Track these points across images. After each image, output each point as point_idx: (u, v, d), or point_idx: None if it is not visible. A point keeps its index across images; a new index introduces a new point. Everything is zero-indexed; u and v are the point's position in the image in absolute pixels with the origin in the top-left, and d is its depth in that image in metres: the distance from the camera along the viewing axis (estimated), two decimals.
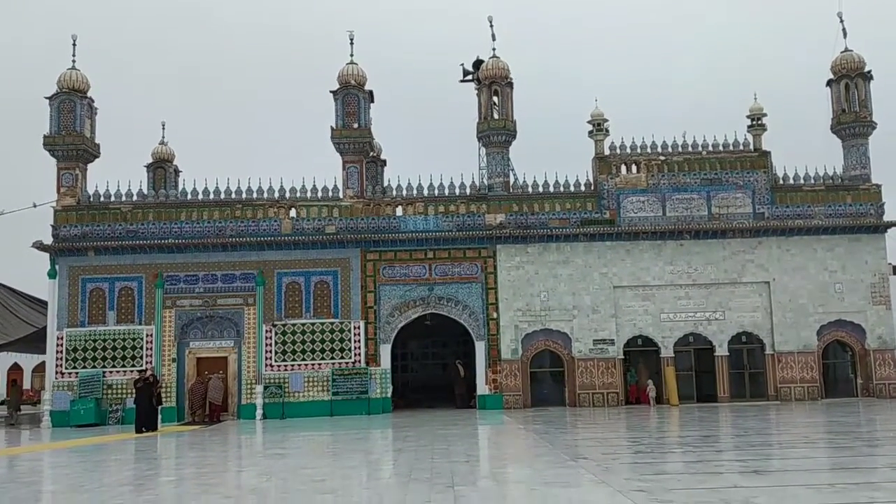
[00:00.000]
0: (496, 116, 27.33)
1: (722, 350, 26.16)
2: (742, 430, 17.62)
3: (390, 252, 26.33)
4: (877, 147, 27.31)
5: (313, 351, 25.65)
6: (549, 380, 26.82)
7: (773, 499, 8.90)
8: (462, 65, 35.50)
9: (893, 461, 12.60)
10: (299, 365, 25.56)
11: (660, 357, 26.19)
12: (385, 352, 25.95)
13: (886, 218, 26.45)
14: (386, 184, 28.33)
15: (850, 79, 27.34)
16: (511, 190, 26.99)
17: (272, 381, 25.40)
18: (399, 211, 26.80)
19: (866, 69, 27.43)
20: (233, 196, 26.64)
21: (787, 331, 26.08)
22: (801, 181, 26.91)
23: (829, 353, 26.81)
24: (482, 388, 25.97)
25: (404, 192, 26.91)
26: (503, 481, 11.48)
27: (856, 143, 27.04)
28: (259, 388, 25.10)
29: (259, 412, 24.68)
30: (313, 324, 25.80)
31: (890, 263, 26.96)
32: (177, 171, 31.14)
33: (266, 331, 25.71)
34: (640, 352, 26.61)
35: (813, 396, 25.74)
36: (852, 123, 26.94)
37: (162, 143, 31.14)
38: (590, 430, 18.94)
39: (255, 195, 26.62)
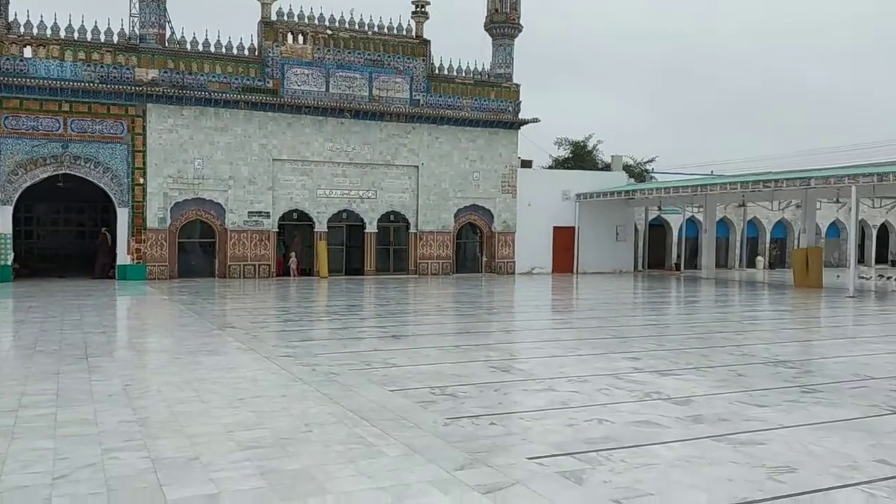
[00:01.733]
0: None
1: (372, 227, 27.54)
2: (384, 300, 18.95)
3: (15, 99, 22.60)
4: (520, 50, 30.06)
5: None
6: (198, 251, 25.91)
7: (408, 359, 9.73)
8: None
9: (506, 326, 14.60)
10: None
11: (314, 231, 26.75)
12: (5, 214, 22.68)
13: (521, 116, 29.50)
14: (11, 19, 23.84)
15: None
16: (167, 44, 24.61)
17: None
18: (28, 52, 22.93)
19: None
20: None
21: (430, 212, 28.28)
22: (455, 73, 28.63)
23: (463, 234, 29.78)
24: (123, 257, 24.20)
25: (35, 31, 23.02)
26: (144, 351, 10.93)
27: (504, 43, 29.39)
28: None
29: None
30: None
31: (519, 157, 30.42)
32: None
33: None
34: (295, 225, 26.88)
35: (446, 271, 28.59)
36: (502, 24, 29.13)
37: None
38: (239, 300, 18.83)
39: None
